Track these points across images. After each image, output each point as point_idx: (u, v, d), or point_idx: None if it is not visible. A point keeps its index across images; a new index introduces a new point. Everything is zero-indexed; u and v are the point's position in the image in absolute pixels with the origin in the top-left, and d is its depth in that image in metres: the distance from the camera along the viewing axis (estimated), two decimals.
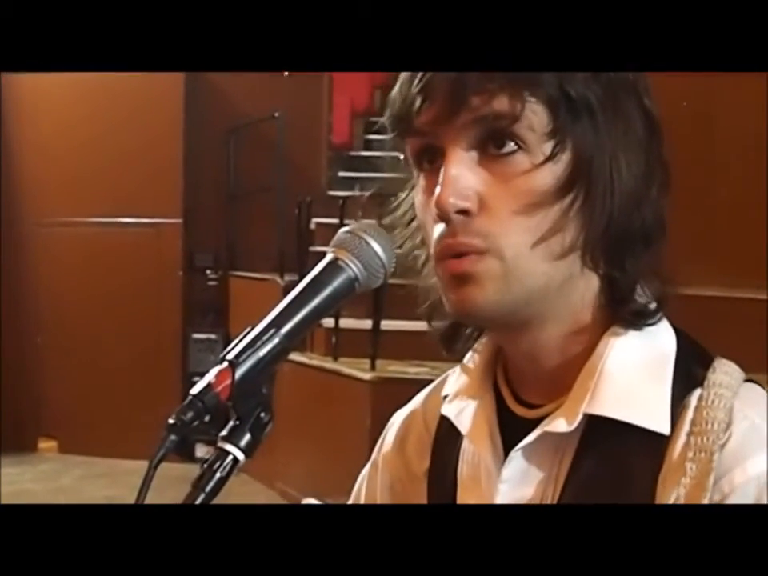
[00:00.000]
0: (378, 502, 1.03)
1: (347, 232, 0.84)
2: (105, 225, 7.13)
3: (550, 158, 0.81)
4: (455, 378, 0.97)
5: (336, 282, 0.81)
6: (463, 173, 0.81)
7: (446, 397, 0.96)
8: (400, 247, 0.90)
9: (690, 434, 0.81)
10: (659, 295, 0.86)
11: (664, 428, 0.81)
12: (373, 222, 0.87)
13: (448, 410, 0.94)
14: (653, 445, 0.81)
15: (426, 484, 0.98)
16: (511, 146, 0.81)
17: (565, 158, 0.81)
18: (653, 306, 0.86)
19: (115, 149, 7.04)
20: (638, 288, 0.86)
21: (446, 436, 0.96)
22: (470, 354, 0.95)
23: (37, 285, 7.26)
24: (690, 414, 0.81)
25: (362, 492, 1.05)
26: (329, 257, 0.83)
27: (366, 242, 0.83)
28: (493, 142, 0.81)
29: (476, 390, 0.93)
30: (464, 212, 0.81)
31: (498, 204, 0.81)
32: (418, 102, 0.82)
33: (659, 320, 0.86)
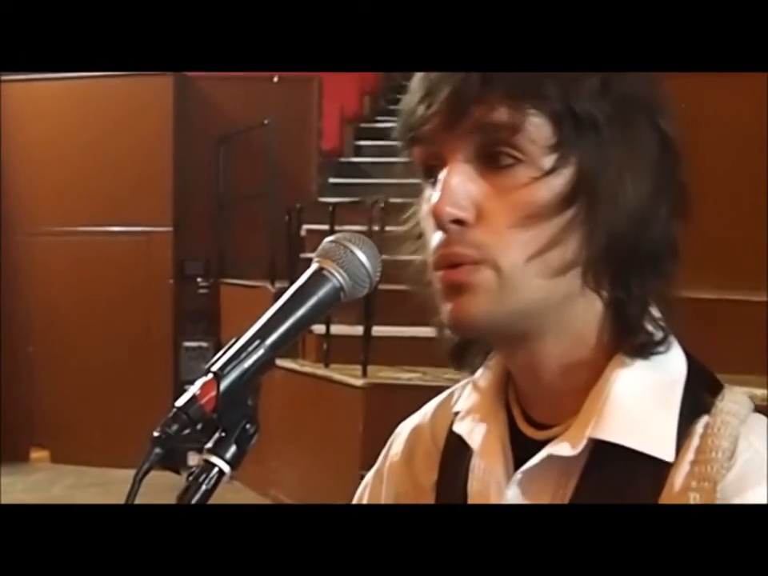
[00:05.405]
0: None
1: (332, 242, 0.83)
2: (95, 234, 7.13)
3: (550, 172, 0.80)
4: (467, 395, 0.96)
5: (321, 292, 0.81)
6: (462, 182, 0.81)
7: (456, 413, 0.96)
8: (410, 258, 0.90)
9: (694, 462, 0.80)
10: (667, 319, 0.84)
11: (669, 455, 0.80)
12: (357, 232, 0.86)
13: (460, 427, 0.94)
14: (656, 471, 0.80)
15: (433, 497, 0.97)
16: (511, 158, 0.80)
17: (567, 172, 0.80)
18: (660, 335, 0.84)
19: (105, 157, 7.04)
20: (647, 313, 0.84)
21: (455, 450, 0.95)
22: (481, 369, 0.95)
23: (28, 294, 7.24)
24: (695, 442, 0.81)
25: (363, 500, 1.05)
26: (314, 267, 0.82)
27: (351, 251, 0.82)
28: (492, 154, 0.81)
29: (488, 409, 0.92)
30: (460, 222, 0.80)
31: (496, 216, 0.80)
32: (421, 111, 0.82)
33: (668, 349, 0.85)
